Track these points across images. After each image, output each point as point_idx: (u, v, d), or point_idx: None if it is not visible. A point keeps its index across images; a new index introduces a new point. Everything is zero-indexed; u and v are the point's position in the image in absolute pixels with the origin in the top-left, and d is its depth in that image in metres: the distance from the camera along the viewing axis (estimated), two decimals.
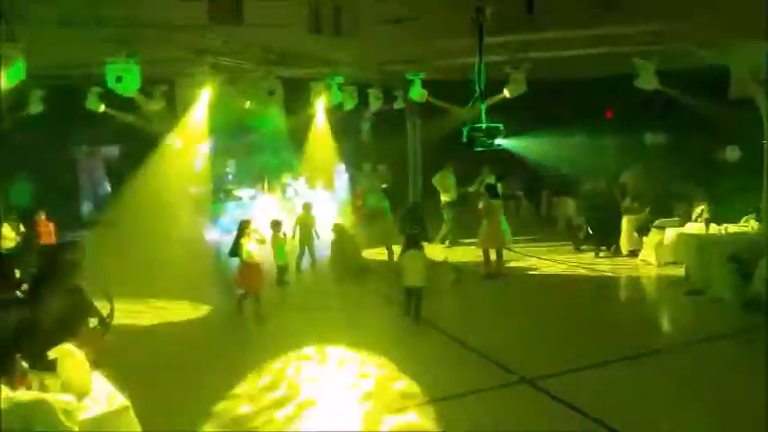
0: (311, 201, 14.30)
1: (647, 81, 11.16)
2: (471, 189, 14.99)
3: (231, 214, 16.23)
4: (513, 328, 9.44)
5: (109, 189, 19.13)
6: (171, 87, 16.15)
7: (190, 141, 17.99)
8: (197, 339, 9.15)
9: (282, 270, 11.95)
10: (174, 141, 17.10)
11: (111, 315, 6.58)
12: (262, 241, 10.12)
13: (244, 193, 17.13)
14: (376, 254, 13.74)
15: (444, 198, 15.18)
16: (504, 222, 12.24)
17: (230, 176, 17.92)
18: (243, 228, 9.91)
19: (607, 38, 11.02)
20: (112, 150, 19.26)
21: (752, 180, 11.83)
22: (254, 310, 9.75)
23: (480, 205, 12.34)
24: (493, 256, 12.18)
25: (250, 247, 9.75)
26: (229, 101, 14.82)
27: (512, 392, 7.23)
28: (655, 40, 10.71)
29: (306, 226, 12.99)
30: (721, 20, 10.10)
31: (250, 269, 9.74)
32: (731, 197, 13.48)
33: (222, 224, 16.13)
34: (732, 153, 14.81)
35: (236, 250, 9.78)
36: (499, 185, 13.48)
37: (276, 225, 11.91)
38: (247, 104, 14.77)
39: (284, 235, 12.02)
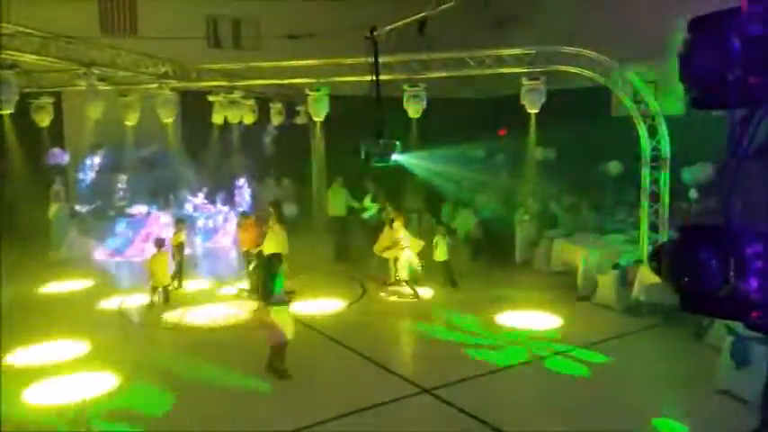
0: (186, 217, 14.23)
1: (532, 102, 11.75)
2: (356, 205, 14.96)
3: (122, 233, 15.48)
4: (413, 341, 9.65)
5: None
6: (58, 99, 15.31)
7: (77, 156, 17.12)
8: None
9: (167, 290, 11.49)
10: (60, 156, 16.17)
11: None
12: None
13: (136, 209, 16.37)
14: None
15: (333, 213, 15.04)
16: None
17: (121, 192, 17.08)
18: (274, 263, 8.19)
19: (496, 59, 11.61)
20: None
21: (631, 193, 12.74)
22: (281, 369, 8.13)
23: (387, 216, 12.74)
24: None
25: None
26: (121, 114, 14.19)
27: (413, 403, 7.39)
28: (541, 61, 11.38)
29: (179, 244, 12.64)
30: (600, 44, 10.92)
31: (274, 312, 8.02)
32: (613, 209, 14.49)
33: (112, 243, 15.32)
34: (613, 167, 15.86)
35: (272, 289, 7.93)
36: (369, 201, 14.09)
37: (159, 243, 11.45)
38: (138, 117, 14.17)
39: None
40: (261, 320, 8.00)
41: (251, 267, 11.85)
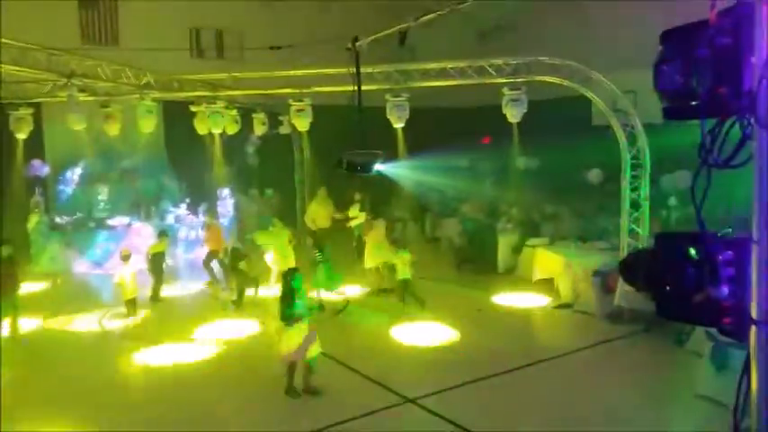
0: (168, 229, 14.26)
1: (514, 112, 11.85)
2: (339, 216, 14.88)
3: (103, 245, 15.32)
4: (396, 351, 9.64)
5: None
6: (38, 110, 15.16)
7: (57, 167, 16.95)
8: None
9: (132, 303, 11.21)
10: (40, 168, 16.00)
11: None
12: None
13: (117, 221, 16.20)
14: None
15: (318, 225, 14.91)
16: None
17: (102, 204, 16.90)
18: (291, 278, 7.81)
19: (478, 69, 11.70)
20: None
21: (612, 200, 12.86)
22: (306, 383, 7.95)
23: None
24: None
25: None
26: (103, 124, 14.05)
27: (398, 412, 7.39)
28: (522, 71, 11.50)
29: (156, 253, 12.60)
30: (581, 54, 11.06)
31: (293, 330, 7.71)
32: (594, 216, 14.60)
33: (92, 255, 15.15)
34: (594, 176, 16.02)
35: (290, 311, 7.61)
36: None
37: (125, 256, 11.19)
38: (119, 128, 14.04)
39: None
40: (277, 337, 7.78)
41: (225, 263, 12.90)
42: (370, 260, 12.81)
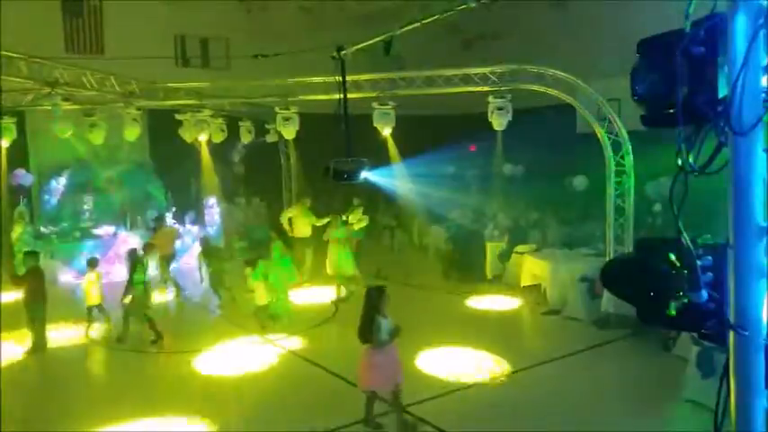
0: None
1: (499, 120, 11.95)
2: (319, 224, 14.84)
3: (88, 254, 15.16)
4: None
5: None
6: (21, 119, 15.06)
7: (42, 176, 16.81)
8: None
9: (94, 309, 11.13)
10: (24, 177, 15.85)
11: None
12: None
13: (103, 230, 16.08)
14: None
15: (297, 233, 14.77)
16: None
17: (87, 213, 16.78)
18: (376, 297, 6.94)
19: (463, 77, 11.79)
20: None
21: (597, 206, 12.97)
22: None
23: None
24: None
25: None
26: (87, 133, 13.97)
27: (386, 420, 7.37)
28: (507, 79, 11.59)
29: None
30: (565, 62, 11.16)
31: (379, 356, 6.91)
32: (580, 222, 14.70)
33: (77, 265, 15.02)
34: (579, 182, 16.14)
35: (369, 332, 6.84)
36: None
37: (92, 262, 11.27)
38: (104, 137, 13.96)
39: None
40: (362, 362, 6.95)
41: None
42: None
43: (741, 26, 2.05)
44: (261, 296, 11.05)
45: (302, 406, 7.86)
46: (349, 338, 7.37)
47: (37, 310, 10.10)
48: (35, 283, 10.17)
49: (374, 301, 6.83)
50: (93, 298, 11.03)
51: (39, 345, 10.15)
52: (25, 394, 8.74)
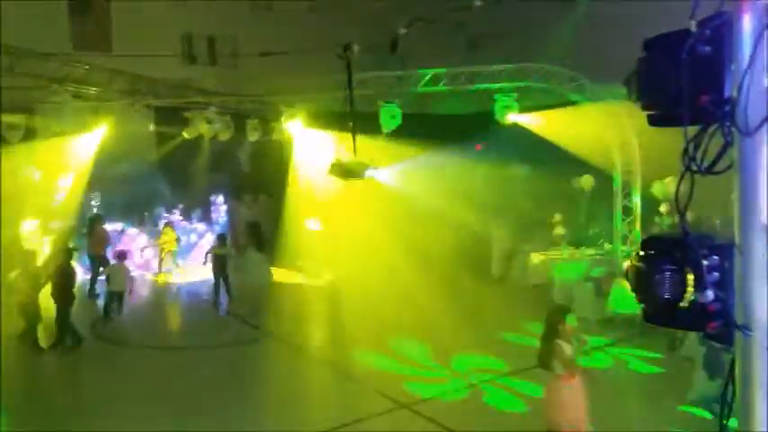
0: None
1: (505, 118, 11.92)
2: None
3: None
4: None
5: None
6: (31, 115, 15.11)
7: (50, 173, 16.85)
8: None
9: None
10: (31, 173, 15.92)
11: None
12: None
13: (110, 227, 16.14)
14: None
15: None
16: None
17: (95, 210, 16.85)
18: (557, 319, 5.93)
19: (470, 75, 11.76)
20: None
21: (604, 206, 12.95)
22: None
23: None
24: None
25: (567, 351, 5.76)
26: (95, 130, 14.02)
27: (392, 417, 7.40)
28: (514, 78, 11.56)
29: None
30: (574, 62, 11.12)
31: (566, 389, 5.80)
32: (586, 222, 14.67)
33: (85, 261, 15.09)
34: (586, 182, 16.06)
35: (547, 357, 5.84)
36: None
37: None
38: (111, 134, 14.02)
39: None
40: (548, 398, 5.97)
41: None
42: None
43: (747, 26, 2.04)
44: None
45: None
46: None
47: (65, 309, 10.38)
48: (64, 279, 10.46)
49: (558, 323, 5.87)
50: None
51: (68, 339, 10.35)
52: None
